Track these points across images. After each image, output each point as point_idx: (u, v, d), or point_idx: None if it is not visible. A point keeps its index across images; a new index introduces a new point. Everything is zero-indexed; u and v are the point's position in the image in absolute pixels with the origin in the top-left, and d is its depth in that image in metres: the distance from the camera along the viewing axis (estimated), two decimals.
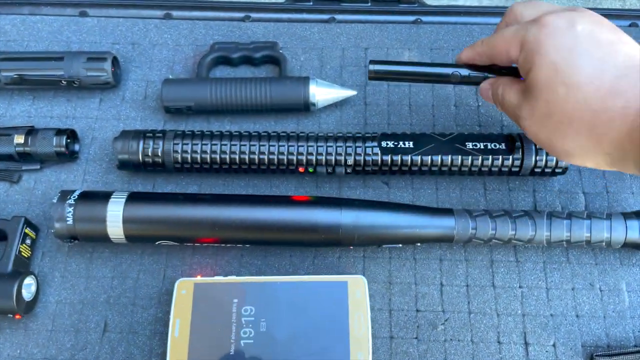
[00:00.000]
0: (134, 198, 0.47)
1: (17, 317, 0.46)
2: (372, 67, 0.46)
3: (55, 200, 0.46)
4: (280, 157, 0.49)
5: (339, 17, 0.61)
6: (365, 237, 0.46)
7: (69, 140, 0.52)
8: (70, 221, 0.46)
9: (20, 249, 0.47)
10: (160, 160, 0.50)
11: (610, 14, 0.61)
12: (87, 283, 0.48)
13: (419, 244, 0.48)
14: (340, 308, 0.45)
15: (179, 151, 0.49)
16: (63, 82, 0.54)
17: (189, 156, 0.49)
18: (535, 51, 0.37)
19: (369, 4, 0.62)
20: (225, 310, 0.45)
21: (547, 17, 0.37)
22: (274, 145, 0.49)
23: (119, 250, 0.50)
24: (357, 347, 0.43)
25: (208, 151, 0.49)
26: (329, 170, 0.50)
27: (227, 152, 0.49)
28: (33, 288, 0.47)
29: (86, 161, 0.54)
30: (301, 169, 0.50)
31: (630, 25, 0.61)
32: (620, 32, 0.36)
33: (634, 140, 0.32)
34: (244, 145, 0.49)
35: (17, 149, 0.51)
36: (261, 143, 0.49)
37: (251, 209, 0.47)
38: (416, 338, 0.46)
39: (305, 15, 0.62)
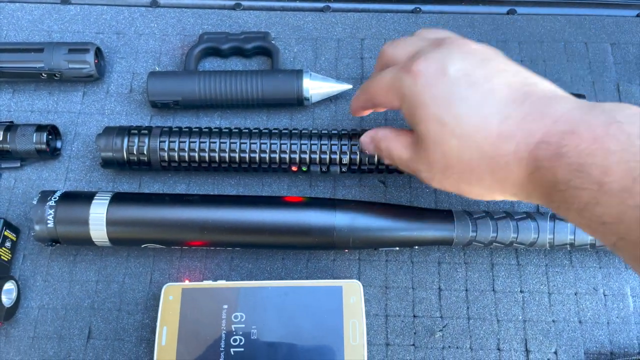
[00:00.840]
0: (118, 199, 0.45)
1: None
2: None
3: (35, 202, 0.44)
4: (272, 155, 0.47)
5: (334, 5, 0.59)
6: (361, 240, 0.44)
7: (50, 137, 0.50)
8: (51, 224, 0.44)
9: (0, 253, 0.45)
10: (145, 158, 0.47)
11: (615, 4, 0.59)
12: (71, 287, 0.46)
13: (416, 247, 0.46)
14: (334, 314, 0.43)
15: (166, 149, 0.47)
16: (43, 74, 0.51)
17: (176, 154, 0.47)
18: (416, 105, 0.35)
19: None
20: (215, 316, 0.43)
21: (418, 64, 0.35)
22: (265, 143, 0.47)
23: (103, 253, 0.47)
24: (352, 355, 0.42)
25: (196, 149, 0.47)
26: (323, 169, 0.48)
27: (217, 150, 0.47)
28: (14, 294, 0.45)
29: (69, 158, 0.51)
30: (294, 168, 0.48)
31: (637, 16, 0.58)
32: (492, 57, 0.35)
33: (533, 182, 0.31)
34: (234, 142, 0.47)
35: None
36: (252, 141, 0.47)
37: (241, 210, 0.45)
38: (413, 345, 0.45)
39: (298, 4, 0.59)
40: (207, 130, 0.48)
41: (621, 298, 0.46)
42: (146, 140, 0.47)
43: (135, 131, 0.48)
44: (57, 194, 0.45)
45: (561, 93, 0.33)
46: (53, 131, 0.50)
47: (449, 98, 0.34)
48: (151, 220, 0.44)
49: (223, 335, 0.42)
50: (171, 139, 0.47)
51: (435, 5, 0.59)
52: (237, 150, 0.47)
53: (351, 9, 0.58)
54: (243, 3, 0.59)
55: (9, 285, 0.45)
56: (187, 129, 0.48)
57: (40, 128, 0.49)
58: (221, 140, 0.47)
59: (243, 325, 0.43)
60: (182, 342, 0.42)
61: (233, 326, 0.42)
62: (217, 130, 0.48)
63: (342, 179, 0.50)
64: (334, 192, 0.50)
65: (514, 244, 0.45)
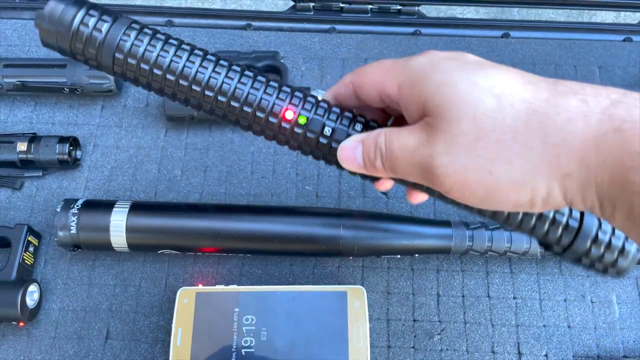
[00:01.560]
0: (137, 208, 0.48)
1: (21, 324, 0.46)
2: None
3: (58, 209, 0.47)
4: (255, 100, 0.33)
5: (339, 27, 0.62)
6: (365, 248, 0.47)
7: (71, 148, 0.53)
8: (74, 230, 0.46)
9: (24, 257, 0.48)
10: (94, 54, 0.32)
11: (603, 29, 0.63)
12: (90, 290, 0.49)
13: (416, 255, 0.50)
14: (339, 318, 0.46)
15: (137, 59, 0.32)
16: (65, 89, 0.54)
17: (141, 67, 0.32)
18: (429, 74, 0.28)
19: (369, 15, 0.63)
20: (227, 319, 0.45)
21: (432, 51, 0.29)
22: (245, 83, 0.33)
23: (121, 258, 0.50)
24: (356, 356, 0.44)
25: (164, 66, 0.32)
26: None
27: (189, 78, 0.32)
28: (36, 295, 0.48)
29: (88, 168, 0.54)
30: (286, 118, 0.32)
31: (624, 40, 0.62)
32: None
33: (602, 149, 0.23)
34: (217, 74, 0.32)
35: (19, 156, 0.51)
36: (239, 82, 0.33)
37: (252, 219, 0.48)
38: (413, 347, 0.47)
39: (306, 25, 0.62)
40: (188, 46, 0.33)
41: (607, 305, 0.49)
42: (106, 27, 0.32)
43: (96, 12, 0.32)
44: (79, 202, 0.48)
45: None
46: (74, 142, 0.53)
47: (477, 62, 0.28)
48: (168, 228, 0.47)
49: (234, 337, 0.45)
50: (138, 40, 0.33)
51: (433, 29, 0.62)
52: (228, 95, 0.33)
53: (355, 30, 0.62)
54: (253, 23, 0.62)
55: (32, 288, 0.47)
56: (163, 35, 0.33)
57: (62, 139, 0.52)
58: (201, 66, 0.32)
59: (253, 328, 0.45)
60: (196, 342, 0.45)
61: (244, 328, 0.45)
62: (201, 52, 0.33)
63: (346, 190, 0.53)
64: (338, 204, 0.53)
65: (508, 253, 0.48)
